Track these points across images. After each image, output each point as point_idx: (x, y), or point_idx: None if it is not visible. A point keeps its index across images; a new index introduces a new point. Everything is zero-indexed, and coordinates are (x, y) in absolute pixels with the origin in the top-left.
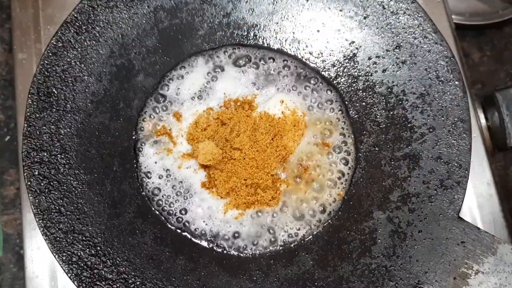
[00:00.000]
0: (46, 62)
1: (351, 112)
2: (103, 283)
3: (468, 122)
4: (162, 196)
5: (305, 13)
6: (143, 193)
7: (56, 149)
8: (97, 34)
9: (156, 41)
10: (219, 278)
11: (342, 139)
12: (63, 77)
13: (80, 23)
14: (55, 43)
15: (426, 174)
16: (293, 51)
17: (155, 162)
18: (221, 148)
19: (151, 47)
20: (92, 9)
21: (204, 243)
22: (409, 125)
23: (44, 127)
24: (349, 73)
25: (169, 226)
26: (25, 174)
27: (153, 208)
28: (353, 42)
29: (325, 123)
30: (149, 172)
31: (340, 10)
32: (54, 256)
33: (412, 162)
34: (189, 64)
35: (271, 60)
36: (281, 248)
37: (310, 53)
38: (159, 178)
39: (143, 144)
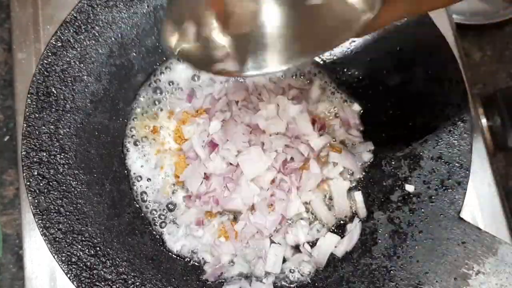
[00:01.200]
0: (45, 61)
1: None
2: (103, 283)
3: (469, 122)
4: (150, 195)
5: None
6: (132, 194)
7: (56, 149)
8: (97, 34)
9: (155, 40)
10: None
11: None
12: (63, 77)
13: (80, 22)
14: (54, 42)
15: (427, 174)
16: None
17: (141, 166)
18: None
19: (150, 46)
20: (92, 8)
21: None
22: (409, 124)
23: (43, 127)
24: (349, 72)
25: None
26: (24, 174)
27: (143, 207)
28: (353, 41)
29: None
30: (138, 175)
31: None
32: (54, 257)
33: (413, 162)
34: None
35: None
36: None
37: None
38: (147, 180)
39: (130, 144)
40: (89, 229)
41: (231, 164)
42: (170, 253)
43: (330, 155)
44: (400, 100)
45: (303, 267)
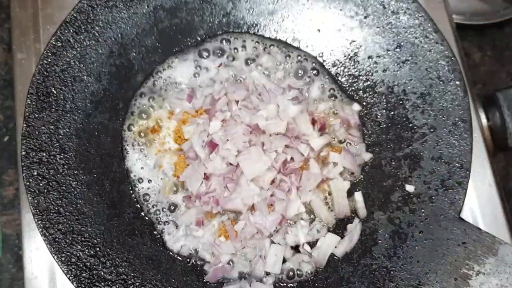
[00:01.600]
0: (45, 62)
1: None
2: (102, 283)
3: (469, 122)
4: (151, 196)
5: (306, 13)
6: (133, 195)
7: (55, 149)
8: (97, 34)
9: (155, 40)
10: None
11: None
12: (62, 77)
13: (80, 22)
14: (54, 43)
15: (427, 174)
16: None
17: (141, 168)
18: None
19: (150, 46)
20: (92, 8)
21: None
22: (409, 125)
23: (43, 127)
24: (349, 72)
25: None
26: (24, 174)
27: (144, 208)
28: (353, 41)
29: None
30: (139, 176)
31: (341, 10)
32: (53, 257)
33: (413, 162)
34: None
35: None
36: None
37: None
38: (148, 182)
39: (130, 144)
40: (89, 229)
41: (231, 164)
42: (170, 253)
43: (330, 155)
44: (401, 100)
45: (303, 267)
